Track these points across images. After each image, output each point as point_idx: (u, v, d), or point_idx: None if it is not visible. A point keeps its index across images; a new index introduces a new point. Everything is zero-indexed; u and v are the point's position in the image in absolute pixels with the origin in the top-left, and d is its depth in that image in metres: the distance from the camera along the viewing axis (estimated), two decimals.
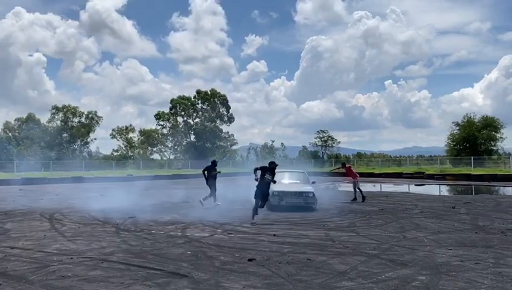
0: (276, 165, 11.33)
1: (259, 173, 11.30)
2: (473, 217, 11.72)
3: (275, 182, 11.27)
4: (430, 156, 59.25)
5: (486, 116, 48.73)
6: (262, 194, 11.13)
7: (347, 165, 17.64)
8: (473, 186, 25.50)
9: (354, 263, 6.52)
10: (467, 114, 49.79)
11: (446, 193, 22.66)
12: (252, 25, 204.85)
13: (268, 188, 11.34)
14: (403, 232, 9.40)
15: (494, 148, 48.21)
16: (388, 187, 25.72)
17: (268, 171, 11.05)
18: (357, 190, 16.53)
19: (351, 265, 6.37)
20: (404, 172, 36.95)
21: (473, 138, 46.88)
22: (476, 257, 6.85)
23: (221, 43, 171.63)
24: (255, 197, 11.15)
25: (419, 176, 34.31)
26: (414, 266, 6.28)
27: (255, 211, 11.02)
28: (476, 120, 48.60)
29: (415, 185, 27.94)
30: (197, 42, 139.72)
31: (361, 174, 32.84)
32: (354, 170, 17.33)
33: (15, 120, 62.07)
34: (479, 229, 9.72)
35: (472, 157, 36.53)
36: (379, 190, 23.72)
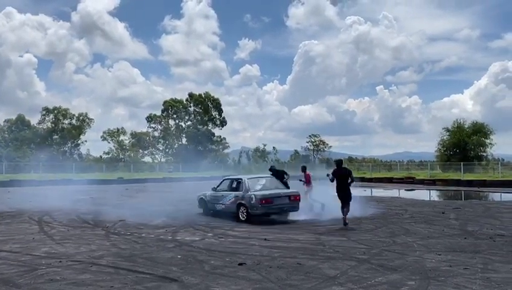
0: (340, 162, 11.65)
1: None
2: (462, 222, 11.81)
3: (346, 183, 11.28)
4: (421, 161, 59.63)
5: (476, 122, 49.11)
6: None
7: (307, 172, 14.64)
8: (463, 192, 25.68)
9: (344, 267, 6.54)
10: (457, 120, 50.17)
11: (436, 198, 22.81)
12: (244, 29, 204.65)
13: (345, 187, 11.25)
14: (393, 237, 9.44)
15: (483, 154, 48.57)
16: (379, 192, 25.83)
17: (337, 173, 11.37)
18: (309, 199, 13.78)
19: (341, 270, 6.39)
20: (395, 177, 37.11)
21: (463, 144, 47.22)
22: (464, 262, 6.91)
23: (214, 47, 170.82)
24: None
25: (410, 181, 34.47)
26: (403, 271, 6.32)
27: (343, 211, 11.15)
28: (466, 126, 49.02)
29: (405, 190, 28.09)
30: (189, 45, 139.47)
31: None
32: (310, 179, 14.51)
33: (4, 121, 61.33)
34: (468, 234, 9.80)
35: (462, 163, 36.80)
36: (369, 194, 23.81)
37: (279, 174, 14.12)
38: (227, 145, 68.07)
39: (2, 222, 11.73)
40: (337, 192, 11.32)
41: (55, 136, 60.74)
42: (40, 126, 60.67)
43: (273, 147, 69.85)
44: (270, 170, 14.62)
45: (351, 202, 11.29)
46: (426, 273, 6.17)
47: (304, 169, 14.58)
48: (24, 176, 34.96)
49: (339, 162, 11.66)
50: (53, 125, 60.61)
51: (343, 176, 11.23)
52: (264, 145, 70.06)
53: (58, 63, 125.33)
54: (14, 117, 61.10)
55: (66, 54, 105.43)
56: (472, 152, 47.23)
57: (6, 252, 7.72)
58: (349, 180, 11.20)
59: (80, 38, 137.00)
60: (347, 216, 11.03)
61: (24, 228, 10.74)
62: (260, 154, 68.26)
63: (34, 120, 61.41)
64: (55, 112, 60.53)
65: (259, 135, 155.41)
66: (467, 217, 12.97)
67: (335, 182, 11.27)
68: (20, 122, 60.21)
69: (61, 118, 60.78)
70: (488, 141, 48.07)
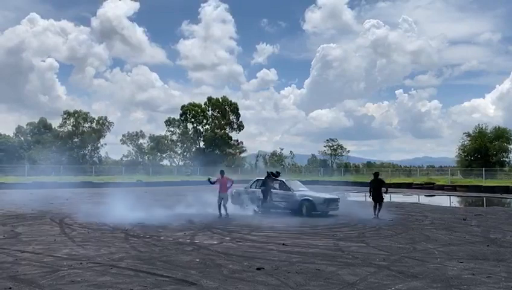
0: (377, 174, 15.17)
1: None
2: (485, 229, 11.57)
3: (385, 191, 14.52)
4: (441, 166, 58.59)
5: (498, 127, 48.27)
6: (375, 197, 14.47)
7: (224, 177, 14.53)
8: (484, 198, 25.17)
9: (364, 274, 6.47)
10: (478, 125, 49.32)
11: (457, 205, 22.41)
12: (261, 33, 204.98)
13: (378, 193, 14.36)
14: (413, 243, 9.31)
15: (506, 159, 47.68)
16: (398, 197, 25.48)
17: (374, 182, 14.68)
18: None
19: (361, 276, 6.32)
20: (414, 182, 36.63)
21: (485, 149, 46.37)
22: (487, 270, 6.76)
23: (231, 51, 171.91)
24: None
25: (430, 187, 33.98)
26: (425, 279, 6.21)
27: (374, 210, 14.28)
28: (488, 131, 48.13)
29: (425, 195, 27.69)
30: (207, 50, 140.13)
31: None
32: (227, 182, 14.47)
33: (27, 125, 62.74)
34: (490, 242, 9.59)
35: (483, 169, 36.11)
36: (389, 200, 23.51)
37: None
38: (244, 149, 68.15)
39: (25, 223, 11.96)
40: (372, 196, 14.48)
41: (76, 139, 61.72)
42: (61, 129, 61.73)
43: (290, 151, 69.71)
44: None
45: (383, 203, 14.42)
46: (448, 281, 6.06)
47: (222, 172, 14.73)
48: (45, 178, 35.60)
49: (375, 174, 15.17)
50: (73, 128, 61.64)
51: (377, 185, 14.47)
52: (281, 150, 69.99)
53: (78, 68, 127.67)
54: (36, 120, 62.49)
55: (86, 58, 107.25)
56: (494, 158, 46.38)
57: (29, 253, 7.87)
58: (383, 190, 14.34)
59: (100, 43, 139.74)
60: (379, 213, 14.13)
61: (46, 229, 10.92)
62: (277, 158, 68.17)
63: (55, 123, 62.60)
64: (76, 115, 61.58)
65: (276, 139, 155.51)
66: (489, 224, 12.71)
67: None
68: (42, 126, 61.45)
69: (81, 121, 61.78)
70: (510, 146, 47.19)
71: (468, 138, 48.76)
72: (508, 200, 24.20)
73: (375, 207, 14.31)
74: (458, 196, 27.52)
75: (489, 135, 47.61)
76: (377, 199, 14.34)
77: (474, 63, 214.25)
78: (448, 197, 26.68)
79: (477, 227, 12.01)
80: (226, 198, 14.27)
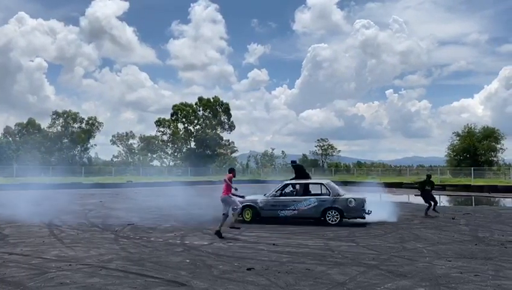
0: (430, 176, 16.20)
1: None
2: (473, 228, 11.69)
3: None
4: (430, 166, 59.09)
5: (487, 126, 48.85)
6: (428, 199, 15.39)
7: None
8: (473, 197, 25.44)
9: (353, 273, 6.50)
10: (467, 124, 49.88)
11: (446, 204, 22.61)
12: (252, 34, 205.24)
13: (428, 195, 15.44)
14: (402, 242, 9.38)
15: (494, 159, 48.25)
16: (388, 197, 25.62)
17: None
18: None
19: (350, 276, 6.35)
20: (404, 182, 36.88)
21: (473, 149, 46.92)
22: (475, 268, 6.84)
23: (221, 51, 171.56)
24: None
25: None
26: (413, 277, 6.27)
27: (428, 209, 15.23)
28: (477, 131, 48.67)
29: (415, 195, 27.86)
30: (197, 50, 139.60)
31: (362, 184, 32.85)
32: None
33: (15, 125, 62.00)
34: (478, 240, 9.70)
35: (472, 168, 36.49)
36: (379, 199, 23.62)
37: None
38: (235, 149, 68.12)
39: (13, 225, 11.83)
40: (424, 197, 15.49)
41: (65, 140, 61.22)
42: (50, 130, 61.18)
43: (282, 151, 69.85)
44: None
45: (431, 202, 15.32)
46: (436, 280, 6.12)
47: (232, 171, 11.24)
48: (34, 179, 35.24)
49: (428, 176, 16.27)
50: (63, 129, 61.14)
51: (428, 189, 15.51)
52: (273, 150, 70.10)
53: (67, 68, 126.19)
54: (24, 121, 61.79)
55: (75, 58, 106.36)
56: (482, 157, 46.95)
57: (17, 255, 7.79)
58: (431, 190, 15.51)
59: (89, 43, 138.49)
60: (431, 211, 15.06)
61: (34, 231, 10.81)
62: (268, 158, 68.25)
63: (44, 124, 61.99)
64: (65, 115, 61.06)
65: (268, 139, 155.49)
66: (477, 223, 12.84)
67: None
68: (31, 126, 60.79)
69: (70, 121, 61.28)
70: (498, 146, 47.85)
71: (457, 138, 49.31)
72: (496, 199, 24.48)
73: (428, 208, 15.16)
74: (447, 195, 27.76)
75: (478, 135, 48.16)
76: (431, 199, 15.38)
77: (463, 64, 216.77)
78: (438, 196, 26.88)
79: (466, 226, 12.13)
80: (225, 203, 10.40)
